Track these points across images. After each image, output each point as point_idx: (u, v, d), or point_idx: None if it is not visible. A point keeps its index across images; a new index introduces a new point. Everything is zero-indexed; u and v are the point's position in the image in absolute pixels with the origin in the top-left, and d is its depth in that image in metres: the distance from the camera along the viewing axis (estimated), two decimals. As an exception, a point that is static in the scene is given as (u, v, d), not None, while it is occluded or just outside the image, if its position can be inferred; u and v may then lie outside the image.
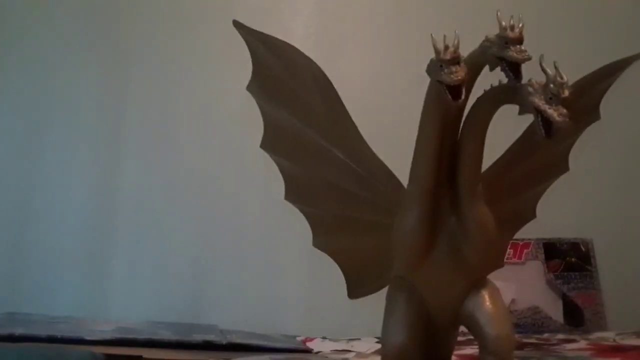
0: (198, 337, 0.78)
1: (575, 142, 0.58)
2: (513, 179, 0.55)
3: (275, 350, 0.77)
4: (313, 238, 0.59)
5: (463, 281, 0.50)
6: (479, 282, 0.51)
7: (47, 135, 1.25)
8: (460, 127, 0.49)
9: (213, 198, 1.17)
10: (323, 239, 0.58)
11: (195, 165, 1.20)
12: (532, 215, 0.59)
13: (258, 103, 0.58)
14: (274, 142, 0.58)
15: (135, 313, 1.10)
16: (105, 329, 0.81)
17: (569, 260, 1.12)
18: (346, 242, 0.57)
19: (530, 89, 0.43)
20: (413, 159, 0.49)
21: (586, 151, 1.07)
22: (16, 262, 1.18)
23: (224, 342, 0.78)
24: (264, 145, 0.59)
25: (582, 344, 0.71)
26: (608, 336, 0.80)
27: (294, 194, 0.59)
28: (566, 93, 0.41)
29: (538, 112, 0.42)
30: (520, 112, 0.45)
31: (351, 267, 0.58)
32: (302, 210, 0.59)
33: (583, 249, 1.13)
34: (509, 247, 1.07)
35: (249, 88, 0.58)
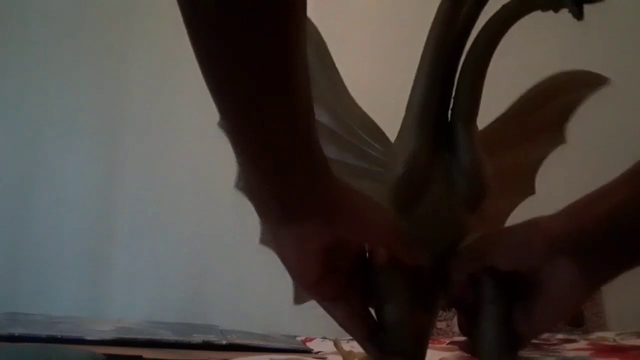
0: (198, 337, 0.78)
1: (541, 162, 0.55)
2: (509, 139, 0.52)
3: (275, 350, 0.77)
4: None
5: (459, 226, 0.46)
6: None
7: (47, 135, 1.25)
8: (462, 58, 0.46)
9: (213, 198, 1.17)
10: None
11: (195, 164, 1.21)
12: (530, 189, 0.55)
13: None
14: None
15: (135, 313, 1.10)
16: (105, 329, 0.81)
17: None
18: None
19: None
20: (412, 87, 0.46)
21: (587, 151, 1.07)
22: (16, 262, 1.18)
23: (224, 342, 0.78)
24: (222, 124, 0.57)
25: (582, 344, 0.71)
26: (608, 336, 0.80)
27: None
28: None
29: None
30: (545, 9, 0.42)
31: None
32: None
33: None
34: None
35: None
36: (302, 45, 0.36)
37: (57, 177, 1.23)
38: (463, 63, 0.46)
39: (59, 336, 0.71)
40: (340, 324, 0.45)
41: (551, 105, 0.52)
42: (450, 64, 0.46)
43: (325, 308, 0.45)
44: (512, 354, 0.43)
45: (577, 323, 1.08)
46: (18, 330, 0.73)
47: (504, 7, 0.45)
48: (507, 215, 0.55)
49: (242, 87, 0.36)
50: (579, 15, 0.39)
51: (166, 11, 1.38)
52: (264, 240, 0.54)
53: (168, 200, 1.21)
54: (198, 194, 1.20)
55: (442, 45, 0.45)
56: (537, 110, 0.52)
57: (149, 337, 0.76)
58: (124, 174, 1.23)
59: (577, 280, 0.40)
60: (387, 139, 0.50)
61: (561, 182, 0.58)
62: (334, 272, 0.43)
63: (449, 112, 0.47)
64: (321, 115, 0.50)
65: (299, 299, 0.53)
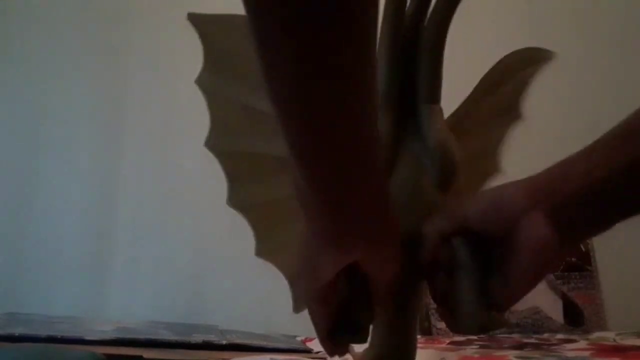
0: (198, 337, 0.78)
1: (501, 141, 0.56)
2: (474, 121, 0.52)
3: (275, 350, 0.77)
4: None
5: (430, 208, 0.45)
6: None
7: (48, 136, 1.25)
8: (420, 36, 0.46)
9: (213, 198, 1.17)
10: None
11: (195, 164, 1.20)
12: (497, 168, 0.56)
13: (208, 97, 0.57)
14: (224, 137, 0.56)
15: (135, 313, 1.10)
16: (105, 329, 0.81)
17: (568, 260, 1.12)
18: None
19: None
20: None
21: (575, 146, 1.07)
22: (17, 262, 1.18)
23: (224, 342, 0.78)
24: (210, 144, 0.57)
25: (582, 344, 0.71)
26: (608, 336, 0.80)
27: (240, 195, 0.56)
28: None
29: None
30: None
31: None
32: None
33: (583, 248, 1.13)
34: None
35: (199, 81, 0.55)
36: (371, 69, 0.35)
37: (58, 178, 1.23)
38: (420, 47, 0.46)
39: (59, 336, 0.71)
40: (314, 321, 0.44)
41: (506, 85, 0.53)
42: (408, 47, 0.46)
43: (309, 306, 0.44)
44: (489, 317, 0.42)
45: (577, 323, 1.08)
46: (18, 330, 0.73)
47: None
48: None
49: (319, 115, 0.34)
50: None
51: (167, 12, 1.39)
52: (259, 253, 0.55)
53: (168, 201, 1.21)
54: (198, 194, 1.19)
55: (397, 29, 0.46)
56: (495, 91, 0.53)
57: (149, 337, 0.76)
58: (125, 174, 1.23)
59: (552, 236, 0.39)
60: None
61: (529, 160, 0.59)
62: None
63: (412, 94, 0.46)
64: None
65: (298, 308, 0.53)
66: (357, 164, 0.36)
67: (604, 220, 0.41)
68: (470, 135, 0.52)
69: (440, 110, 0.46)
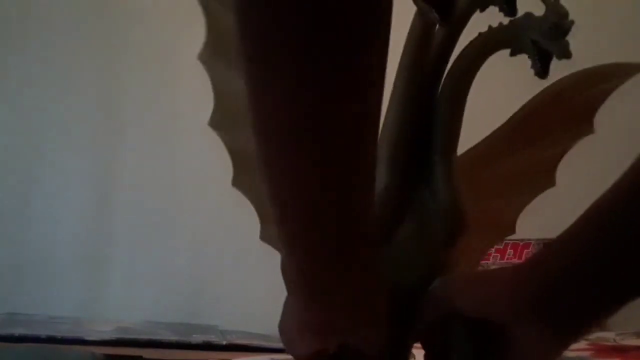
0: (198, 337, 0.78)
1: (564, 154, 0.53)
2: (493, 175, 0.49)
3: (275, 350, 0.77)
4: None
5: (433, 263, 0.43)
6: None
7: (46, 136, 1.24)
8: (440, 84, 0.44)
9: (213, 198, 1.17)
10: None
11: (194, 164, 1.20)
12: (511, 229, 0.52)
13: (211, 74, 0.56)
14: (227, 115, 0.54)
15: (135, 313, 1.10)
16: (105, 329, 0.81)
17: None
18: None
19: (526, 23, 0.38)
20: (383, 123, 0.43)
21: (587, 150, 1.07)
22: (16, 262, 1.18)
23: (224, 342, 0.78)
24: (214, 123, 0.54)
25: (582, 344, 0.70)
26: (608, 336, 0.80)
27: (245, 175, 0.53)
28: (568, 24, 0.36)
29: (535, 46, 0.37)
30: (513, 53, 0.40)
31: None
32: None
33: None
34: (508, 248, 1.07)
35: (202, 57, 0.53)
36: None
37: (56, 178, 1.23)
38: (439, 96, 0.44)
39: (59, 336, 0.71)
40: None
41: (578, 98, 0.50)
42: (424, 98, 0.44)
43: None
44: None
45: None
46: (18, 331, 0.73)
47: (478, 37, 0.43)
48: (482, 255, 0.54)
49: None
50: (542, 72, 0.37)
51: (166, 10, 1.39)
52: (264, 237, 0.53)
53: (168, 201, 1.21)
54: (198, 194, 1.19)
55: (412, 82, 0.44)
56: (562, 104, 0.50)
57: (149, 337, 0.76)
58: (124, 174, 1.23)
59: (547, 337, 0.38)
60: None
61: (561, 180, 0.58)
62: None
63: (425, 144, 0.44)
64: None
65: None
66: (348, 246, 0.33)
67: (600, 311, 0.41)
68: (530, 144, 0.49)
69: (455, 162, 0.44)
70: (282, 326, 0.42)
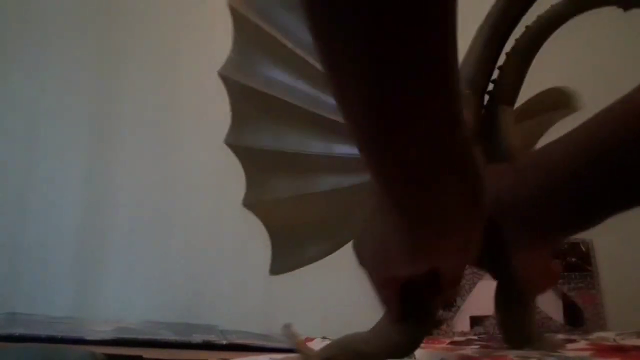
0: (198, 337, 0.78)
1: (545, 131, 0.53)
2: None
3: (275, 350, 0.77)
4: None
5: None
6: None
7: (43, 137, 1.25)
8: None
9: (213, 197, 1.17)
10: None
11: (194, 164, 1.20)
12: None
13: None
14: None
15: (135, 313, 1.10)
16: (105, 329, 0.81)
17: (569, 260, 1.12)
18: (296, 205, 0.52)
19: None
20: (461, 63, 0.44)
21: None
22: (15, 263, 1.18)
23: (224, 342, 0.78)
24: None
25: (582, 344, 0.70)
26: (608, 336, 0.80)
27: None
28: None
29: None
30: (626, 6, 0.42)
31: (284, 231, 0.53)
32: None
33: (583, 249, 1.13)
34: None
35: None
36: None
37: (55, 178, 1.23)
38: (512, 49, 0.46)
39: (59, 336, 0.71)
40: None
41: (530, 122, 0.51)
42: (496, 53, 0.45)
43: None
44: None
45: (578, 323, 1.08)
46: (18, 330, 0.73)
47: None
48: None
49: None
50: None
51: (164, 9, 1.38)
52: (246, 203, 0.53)
53: (167, 201, 1.21)
54: (197, 193, 1.19)
55: (496, 29, 0.45)
56: (519, 124, 0.51)
57: (149, 337, 0.76)
58: (122, 174, 1.23)
59: (531, 247, 0.41)
60: None
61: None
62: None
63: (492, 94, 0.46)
64: None
65: (276, 270, 0.54)
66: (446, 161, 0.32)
67: (577, 222, 0.41)
68: None
69: (513, 113, 0.46)
70: (365, 254, 0.41)
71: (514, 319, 0.47)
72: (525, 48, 0.46)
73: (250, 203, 0.54)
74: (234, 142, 0.54)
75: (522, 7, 0.45)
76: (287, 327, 0.51)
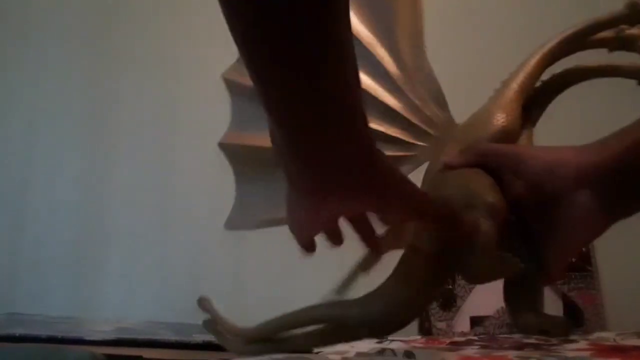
0: (198, 337, 0.78)
1: None
2: None
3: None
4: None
5: None
6: None
7: (42, 137, 1.25)
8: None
9: (212, 197, 1.17)
10: None
11: (193, 163, 1.20)
12: None
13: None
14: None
15: (134, 313, 1.10)
16: (105, 329, 0.81)
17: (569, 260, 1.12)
18: None
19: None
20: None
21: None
22: (14, 263, 1.18)
23: (224, 342, 0.78)
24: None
25: (582, 344, 0.70)
26: (608, 336, 0.80)
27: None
28: None
29: None
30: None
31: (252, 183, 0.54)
32: None
33: (583, 249, 1.13)
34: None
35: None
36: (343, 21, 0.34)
37: (54, 179, 1.23)
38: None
39: (59, 336, 0.71)
40: None
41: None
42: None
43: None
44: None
45: (578, 323, 1.08)
46: (18, 331, 0.73)
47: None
48: None
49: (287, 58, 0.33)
50: None
51: (162, 12, 1.39)
52: (230, 225, 0.53)
53: (166, 201, 1.21)
54: (197, 193, 1.19)
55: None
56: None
57: (149, 337, 0.76)
58: (122, 174, 1.23)
59: (597, 212, 0.41)
60: (445, 103, 0.51)
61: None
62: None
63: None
64: (385, 59, 0.51)
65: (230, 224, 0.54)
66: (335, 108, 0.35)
67: None
68: None
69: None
70: (289, 221, 0.44)
71: (525, 303, 0.48)
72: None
73: (223, 144, 0.54)
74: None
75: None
76: (203, 300, 0.52)
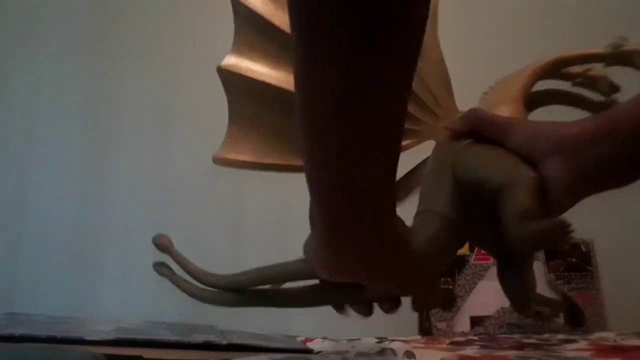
0: (198, 337, 0.78)
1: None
2: None
3: (275, 350, 0.77)
4: None
5: None
6: None
7: (42, 136, 1.25)
8: None
9: (212, 197, 1.17)
10: None
11: (192, 163, 1.20)
12: None
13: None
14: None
15: (134, 313, 1.10)
16: (105, 329, 0.80)
17: (569, 260, 1.12)
18: None
19: None
20: None
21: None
22: (14, 262, 1.18)
23: (224, 342, 0.78)
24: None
25: (583, 344, 0.70)
26: (608, 336, 0.80)
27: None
28: None
29: None
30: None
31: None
32: None
33: (583, 249, 1.13)
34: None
35: (222, 68, 0.55)
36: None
37: (53, 178, 1.23)
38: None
39: (59, 336, 0.71)
40: None
41: None
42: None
43: None
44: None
45: (578, 323, 1.08)
46: (18, 330, 0.72)
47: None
48: None
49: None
50: None
51: (162, 10, 1.39)
52: (218, 160, 0.54)
53: (165, 200, 1.21)
54: (195, 193, 1.19)
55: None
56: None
57: (149, 337, 0.76)
58: (121, 174, 1.23)
59: (567, 174, 0.45)
60: (451, 88, 0.52)
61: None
62: None
63: None
64: None
65: (218, 159, 0.54)
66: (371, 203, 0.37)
67: (626, 175, 0.45)
68: None
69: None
70: (309, 255, 0.46)
71: (517, 285, 0.50)
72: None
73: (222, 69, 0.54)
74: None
75: None
76: (158, 237, 0.54)
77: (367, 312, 0.46)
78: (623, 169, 0.44)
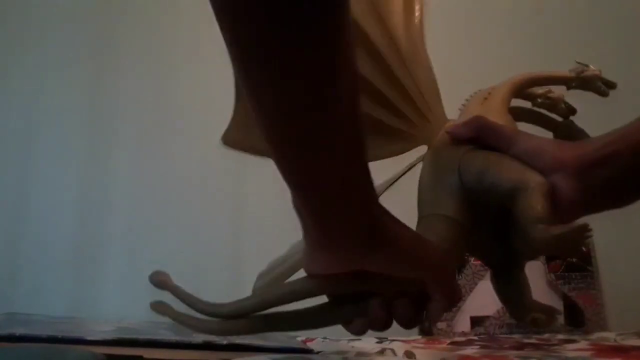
0: (198, 337, 0.78)
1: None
2: None
3: (275, 350, 0.77)
4: None
5: None
6: None
7: (41, 136, 1.25)
8: None
9: (212, 197, 1.17)
10: None
11: (192, 162, 1.21)
12: None
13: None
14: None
15: (134, 313, 1.10)
16: (105, 329, 0.80)
17: (569, 260, 1.12)
18: None
19: None
20: None
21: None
22: (14, 262, 1.18)
23: (224, 342, 0.78)
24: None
25: (583, 344, 0.70)
26: (609, 336, 0.80)
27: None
28: None
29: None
30: None
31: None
32: None
33: (584, 249, 1.13)
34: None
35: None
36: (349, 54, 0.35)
37: (54, 178, 1.23)
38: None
39: (59, 336, 0.71)
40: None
41: None
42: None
43: None
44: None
45: (578, 323, 1.08)
46: (18, 330, 0.72)
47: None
48: None
49: (291, 103, 0.35)
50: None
51: (161, 11, 1.39)
52: (226, 140, 0.53)
53: (165, 200, 1.21)
54: (196, 192, 1.19)
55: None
56: None
57: (149, 337, 0.76)
58: (121, 173, 1.23)
59: (568, 193, 0.45)
60: (439, 95, 0.53)
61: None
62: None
63: None
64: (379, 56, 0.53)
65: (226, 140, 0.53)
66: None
67: (624, 197, 0.46)
68: None
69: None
70: (305, 263, 0.47)
71: (513, 293, 0.51)
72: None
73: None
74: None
75: None
76: (155, 274, 0.53)
77: (382, 324, 0.45)
78: (623, 192, 0.45)
